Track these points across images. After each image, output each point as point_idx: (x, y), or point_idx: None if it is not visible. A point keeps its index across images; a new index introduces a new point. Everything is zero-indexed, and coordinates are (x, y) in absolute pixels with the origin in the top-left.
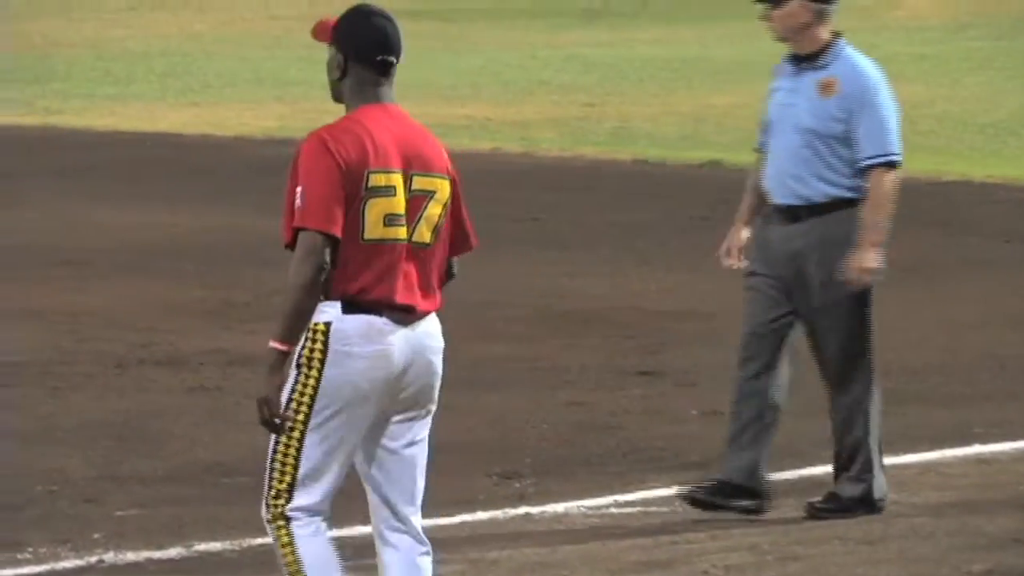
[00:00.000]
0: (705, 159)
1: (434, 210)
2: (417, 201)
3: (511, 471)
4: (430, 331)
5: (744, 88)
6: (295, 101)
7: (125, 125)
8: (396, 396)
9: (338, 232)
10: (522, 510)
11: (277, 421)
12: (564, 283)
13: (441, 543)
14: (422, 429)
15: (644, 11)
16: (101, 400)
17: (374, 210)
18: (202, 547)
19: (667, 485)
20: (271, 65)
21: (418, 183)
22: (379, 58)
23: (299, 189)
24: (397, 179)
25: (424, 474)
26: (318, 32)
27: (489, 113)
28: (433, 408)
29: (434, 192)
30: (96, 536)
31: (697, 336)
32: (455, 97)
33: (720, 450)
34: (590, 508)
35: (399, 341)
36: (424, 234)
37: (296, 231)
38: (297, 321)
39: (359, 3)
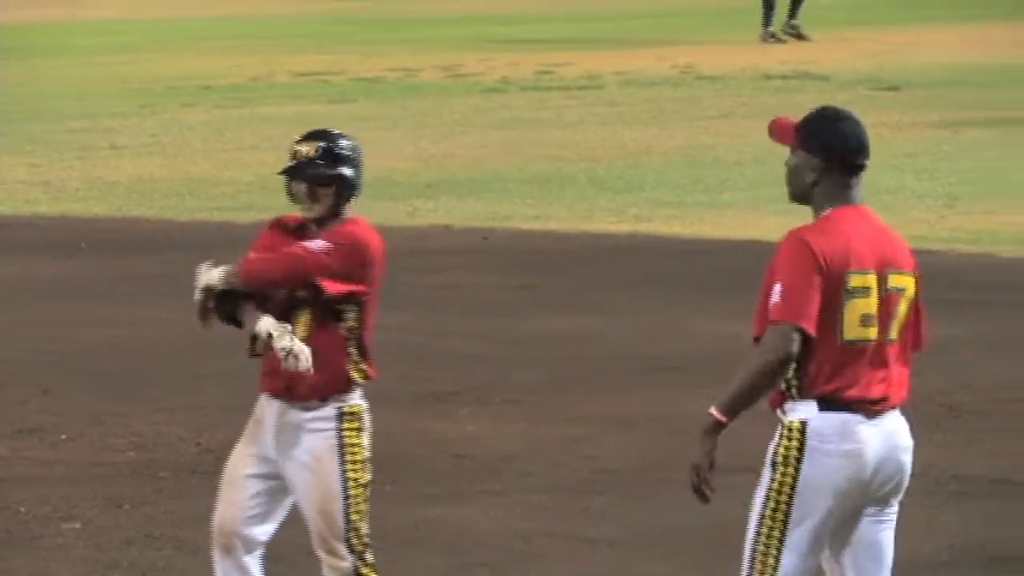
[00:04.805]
0: None
1: (903, 307)
2: (892, 299)
3: None
4: (899, 429)
5: None
6: (886, 209)
7: (715, 233)
8: (868, 493)
9: (812, 329)
10: None
11: (707, 490)
12: None
13: None
14: (889, 522)
15: None
16: (692, 507)
17: (853, 311)
18: None
19: None
20: (866, 173)
21: (893, 281)
22: (858, 162)
23: (777, 286)
24: (872, 280)
25: (888, 566)
26: (778, 133)
27: None
28: (898, 502)
29: (905, 289)
30: None
31: None
32: None
33: None
34: None
35: (873, 439)
36: (893, 331)
37: (768, 325)
38: (745, 400)
39: (826, 106)
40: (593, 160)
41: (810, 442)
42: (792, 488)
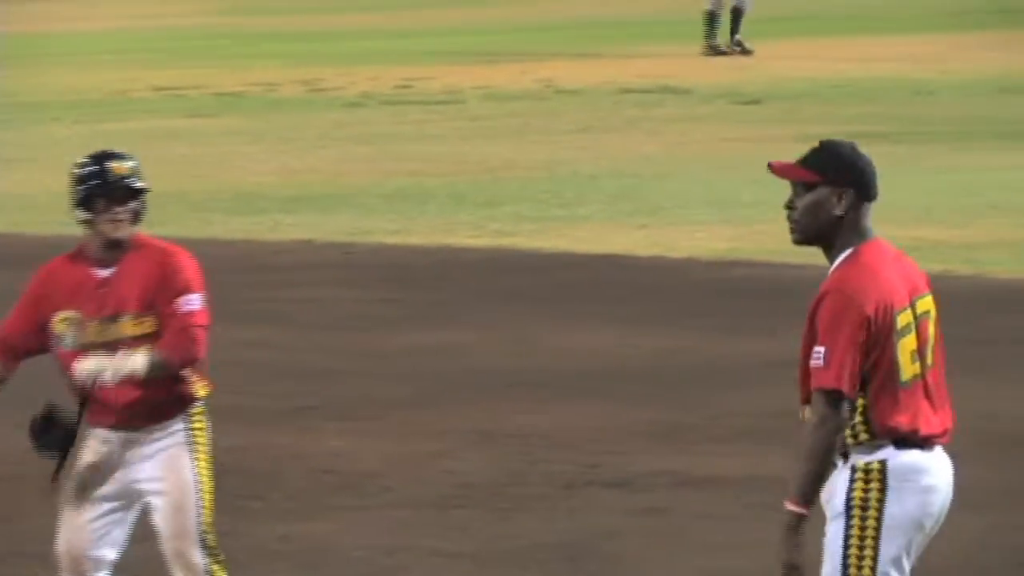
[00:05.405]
0: None
1: (932, 330)
2: (923, 326)
3: None
4: (948, 461)
5: None
6: (745, 223)
7: (575, 247)
8: (933, 529)
9: (851, 392)
10: None
11: None
12: (1003, 407)
13: None
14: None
15: None
16: (551, 521)
17: (904, 351)
18: None
19: None
20: (723, 187)
21: (920, 307)
22: (877, 193)
23: (821, 349)
24: (910, 314)
25: None
26: (785, 171)
27: (940, 235)
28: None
29: (929, 311)
30: None
31: None
32: (907, 220)
33: None
34: None
35: (942, 474)
36: (929, 356)
37: (815, 391)
38: (816, 484)
39: (831, 139)
40: (454, 175)
41: (893, 482)
42: (877, 531)
